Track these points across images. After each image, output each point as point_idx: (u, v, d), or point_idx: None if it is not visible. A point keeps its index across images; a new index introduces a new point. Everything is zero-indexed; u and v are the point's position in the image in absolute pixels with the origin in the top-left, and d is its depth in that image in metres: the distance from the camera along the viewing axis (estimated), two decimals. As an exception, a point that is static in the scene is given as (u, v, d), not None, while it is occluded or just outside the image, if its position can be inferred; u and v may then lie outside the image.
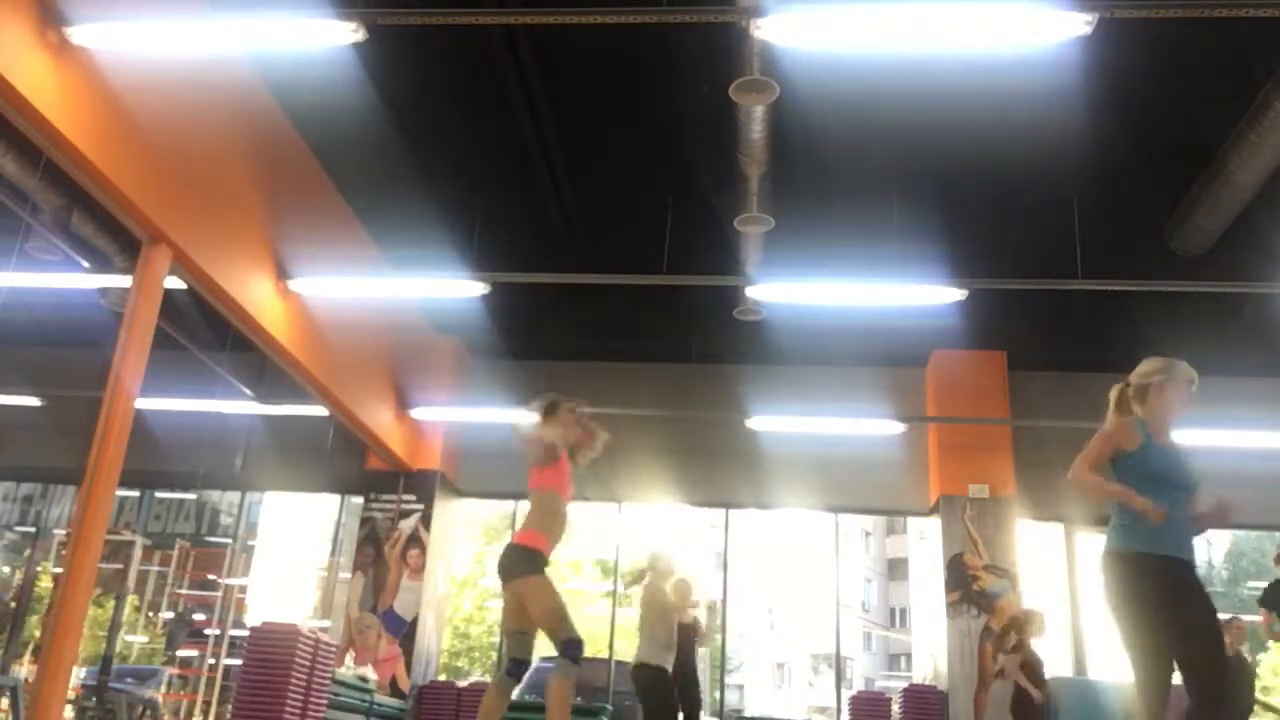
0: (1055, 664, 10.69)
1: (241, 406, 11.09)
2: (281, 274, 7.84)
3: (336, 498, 12.34)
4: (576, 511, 17.07)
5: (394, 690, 10.16)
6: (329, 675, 7.69)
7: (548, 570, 4.32)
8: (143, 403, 6.46)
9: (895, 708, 9.76)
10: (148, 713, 9.19)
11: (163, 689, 11.32)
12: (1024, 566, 10.38)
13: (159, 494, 14.53)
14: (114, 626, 10.17)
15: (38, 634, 11.51)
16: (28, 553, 13.42)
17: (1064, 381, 10.94)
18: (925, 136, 7.46)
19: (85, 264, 8.20)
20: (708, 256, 8.70)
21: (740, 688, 28.76)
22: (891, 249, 8.06)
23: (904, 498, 11.17)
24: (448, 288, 8.35)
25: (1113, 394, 3.88)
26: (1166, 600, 3.40)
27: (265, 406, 11.12)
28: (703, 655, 24.60)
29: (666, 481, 11.37)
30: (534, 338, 11.21)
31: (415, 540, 10.86)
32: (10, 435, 11.87)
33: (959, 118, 7.13)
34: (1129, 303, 9.06)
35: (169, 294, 6.62)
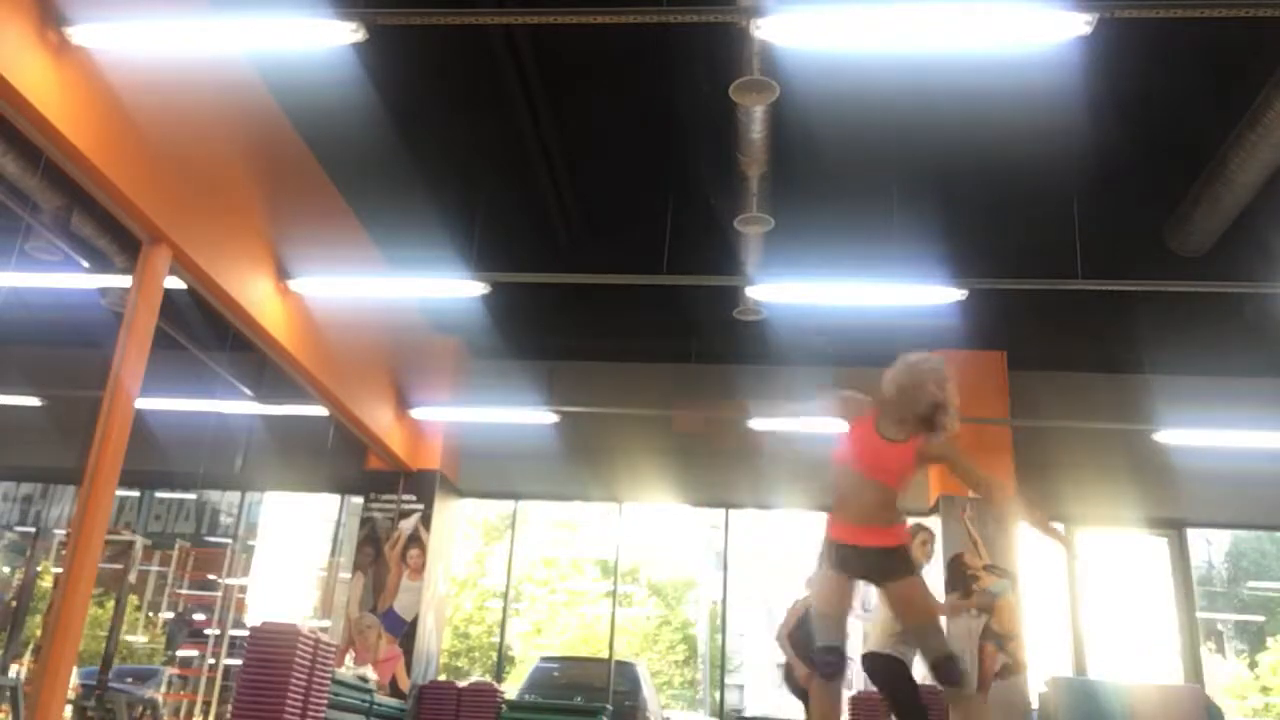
0: (1055, 664, 10.70)
1: (241, 406, 11.09)
2: (281, 274, 7.83)
3: (336, 498, 12.34)
4: (576, 511, 17.00)
5: (394, 690, 10.16)
6: (329, 675, 7.69)
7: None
8: (143, 403, 6.46)
9: (895, 708, 9.75)
10: (148, 713, 9.19)
11: (163, 689, 11.32)
12: (1024, 566, 10.38)
13: (159, 494, 14.52)
14: (114, 627, 10.16)
15: (38, 634, 11.50)
16: (28, 553, 13.41)
17: (1064, 381, 10.94)
18: (925, 136, 7.46)
19: (85, 264, 8.20)
20: (708, 256, 8.70)
21: (740, 688, 28.75)
22: (891, 249, 8.06)
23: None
24: (448, 288, 8.34)
25: None
26: None
27: (265, 406, 11.11)
28: (703, 656, 24.56)
29: (666, 481, 11.37)
30: (534, 338, 11.21)
31: (415, 540, 10.86)
32: (10, 435, 11.87)
33: (959, 118, 7.13)
34: (1129, 303, 9.06)
35: (169, 294, 6.61)
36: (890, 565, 3.69)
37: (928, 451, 3.78)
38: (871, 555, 3.70)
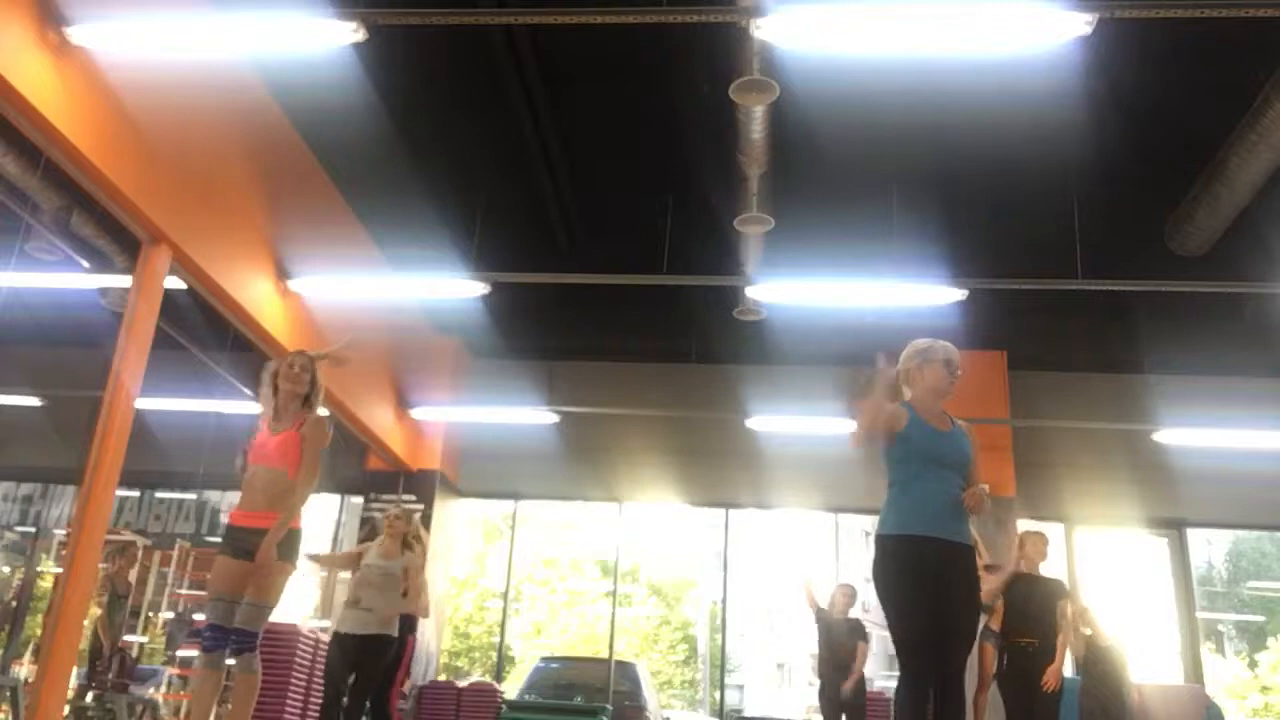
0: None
1: (241, 406, 11.08)
2: (281, 274, 7.84)
3: (336, 498, 12.33)
4: (577, 511, 17.01)
5: (394, 690, 10.15)
6: (329, 675, 7.68)
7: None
8: (143, 403, 6.46)
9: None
10: (148, 713, 9.18)
11: (163, 689, 11.31)
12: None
13: (159, 494, 14.52)
14: (114, 627, 10.14)
15: (38, 634, 11.50)
16: (28, 553, 13.41)
17: (1064, 381, 10.94)
18: (925, 136, 7.46)
19: (85, 264, 8.19)
20: (708, 256, 8.69)
21: (740, 688, 28.75)
22: (891, 249, 8.06)
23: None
24: (448, 288, 8.35)
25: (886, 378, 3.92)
26: (903, 583, 3.44)
27: (265, 406, 11.10)
28: (703, 656, 24.43)
29: (666, 481, 11.37)
30: (534, 338, 11.21)
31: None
32: (10, 435, 11.87)
33: (959, 118, 7.13)
34: (1129, 303, 9.06)
35: (169, 294, 6.61)
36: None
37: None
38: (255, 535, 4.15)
